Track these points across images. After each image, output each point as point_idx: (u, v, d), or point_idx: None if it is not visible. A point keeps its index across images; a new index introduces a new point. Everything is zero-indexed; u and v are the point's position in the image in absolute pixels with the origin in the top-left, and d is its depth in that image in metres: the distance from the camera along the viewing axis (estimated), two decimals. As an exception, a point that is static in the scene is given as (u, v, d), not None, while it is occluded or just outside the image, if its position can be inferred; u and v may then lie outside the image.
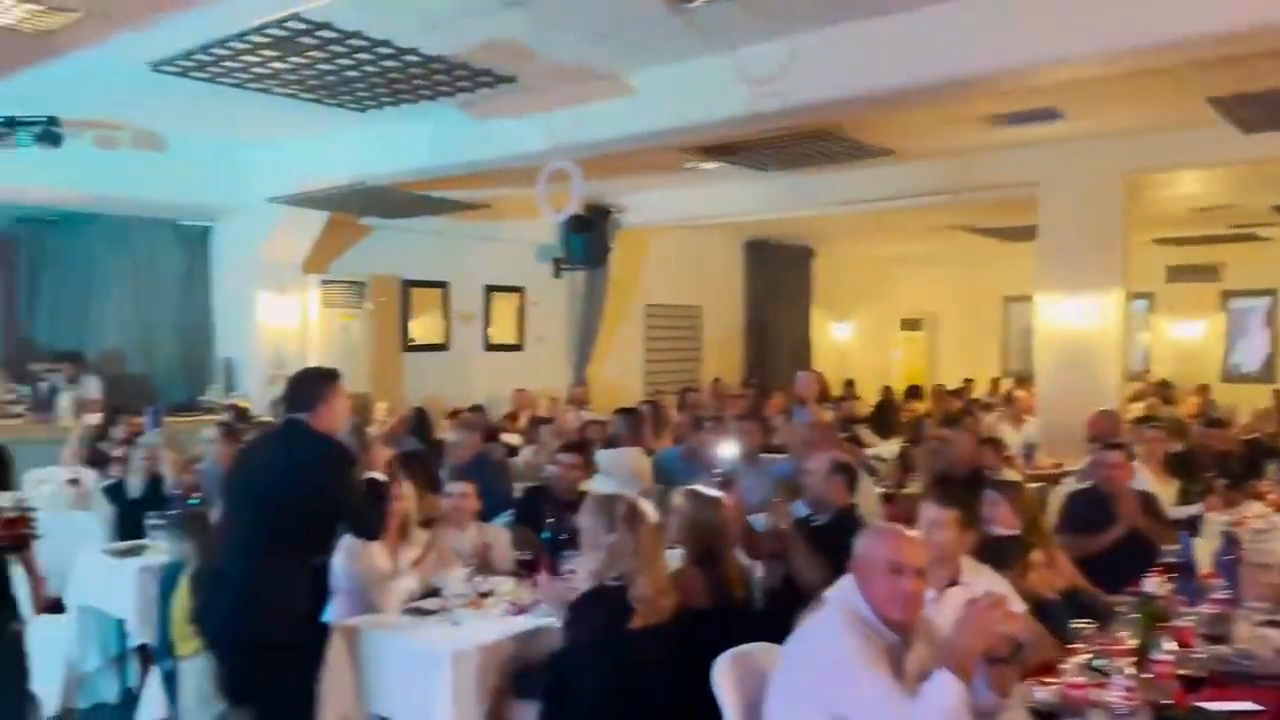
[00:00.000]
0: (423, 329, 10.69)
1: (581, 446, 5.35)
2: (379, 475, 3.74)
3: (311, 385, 3.59)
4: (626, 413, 6.71)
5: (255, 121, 7.34)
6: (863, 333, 16.96)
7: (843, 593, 2.75)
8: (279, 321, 8.97)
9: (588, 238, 11.45)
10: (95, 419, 7.64)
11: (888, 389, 12.82)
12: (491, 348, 11.40)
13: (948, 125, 7.73)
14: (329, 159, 7.68)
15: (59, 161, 7.02)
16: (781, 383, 13.41)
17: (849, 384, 12.77)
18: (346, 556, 3.86)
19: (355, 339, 9.60)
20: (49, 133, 6.73)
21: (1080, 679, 2.84)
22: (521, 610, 3.68)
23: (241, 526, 3.51)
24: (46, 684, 4.83)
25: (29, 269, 8.95)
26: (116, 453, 7.16)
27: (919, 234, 13.78)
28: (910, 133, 7.82)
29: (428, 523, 4.33)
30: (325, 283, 9.34)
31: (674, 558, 3.61)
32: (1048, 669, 3.06)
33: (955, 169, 8.88)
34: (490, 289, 11.40)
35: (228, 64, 4.95)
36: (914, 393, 11.24)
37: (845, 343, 16.63)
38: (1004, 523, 3.73)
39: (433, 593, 3.91)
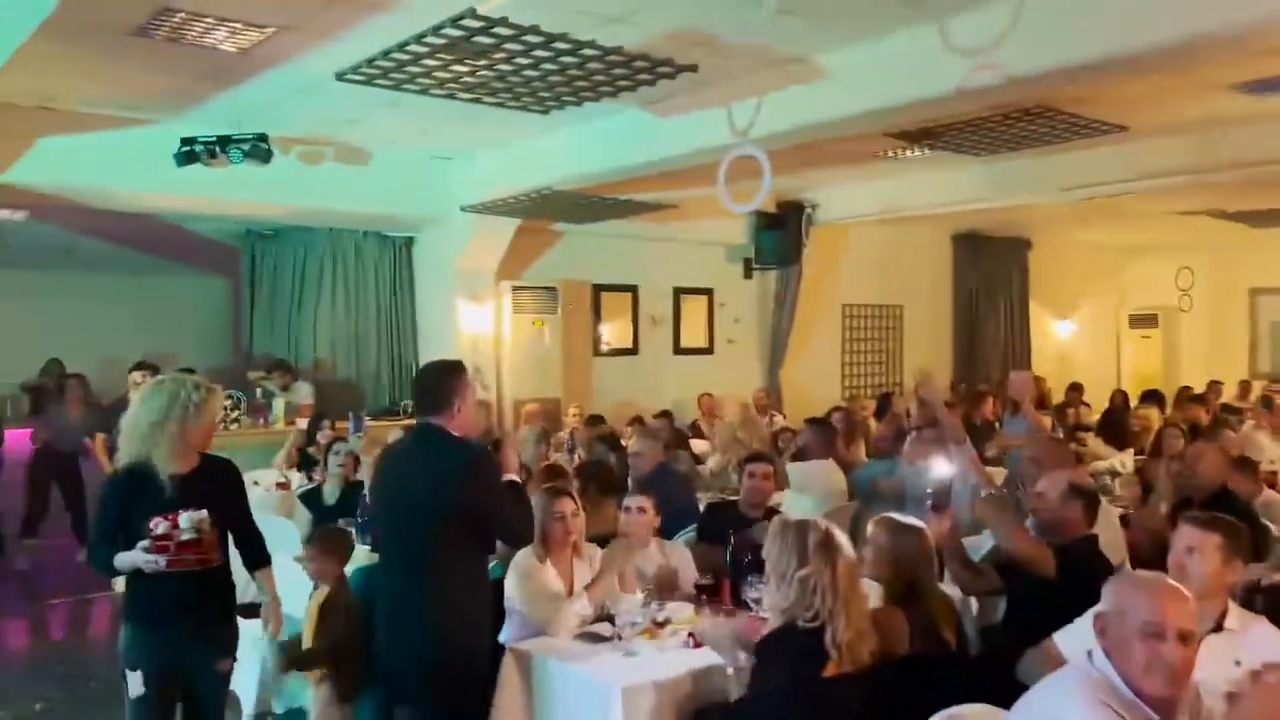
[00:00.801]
0: (612, 333, 10.60)
1: (770, 457, 4.95)
2: (514, 478, 3.50)
3: (446, 381, 3.32)
4: (817, 423, 6.24)
5: (447, 132, 7.43)
6: (1086, 331, 15.58)
7: (1084, 650, 2.26)
8: (474, 328, 9.08)
9: (780, 236, 11.04)
10: (305, 424, 7.96)
11: (1120, 393, 11.61)
12: (681, 351, 11.16)
13: (1190, 96, 6.80)
14: (518, 166, 7.68)
15: (271, 177, 7.36)
16: (993, 386, 12.49)
17: (1074, 388, 11.63)
18: (518, 576, 3.67)
19: (546, 344, 9.60)
20: (257, 149, 7.05)
21: None
22: (701, 643, 3.34)
23: (401, 546, 3.32)
24: (245, 686, 4.95)
25: (249, 280, 9.51)
26: (320, 458, 7.44)
27: (1153, 221, 12.44)
28: (1145, 106, 6.93)
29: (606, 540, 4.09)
30: (517, 289, 9.39)
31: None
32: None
33: (1199, 145, 7.84)
34: (679, 291, 11.16)
35: (409, 69, 4.92)
36: (1152, 397, 10.03)
37: (1066, 342, 15.32)
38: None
39: (609, 617, 3.65)
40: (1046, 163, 8.74)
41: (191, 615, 3.22)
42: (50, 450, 8.05)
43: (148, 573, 3.07)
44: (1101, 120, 7.03)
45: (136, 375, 7.49)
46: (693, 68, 4.95)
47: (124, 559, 3.11)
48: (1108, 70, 5.09)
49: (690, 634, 3.39)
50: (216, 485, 3.33)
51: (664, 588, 3.90)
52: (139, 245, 10.28)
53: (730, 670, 2.94)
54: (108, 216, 8.41)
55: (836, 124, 5.99)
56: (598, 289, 10.44)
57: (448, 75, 4.97)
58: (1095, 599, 3.00)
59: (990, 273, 14.00)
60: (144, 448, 3.16)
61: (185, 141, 6.98)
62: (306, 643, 3.96)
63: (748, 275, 11.50)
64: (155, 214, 8.46)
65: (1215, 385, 11.86)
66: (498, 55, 4.65)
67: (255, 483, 6.97)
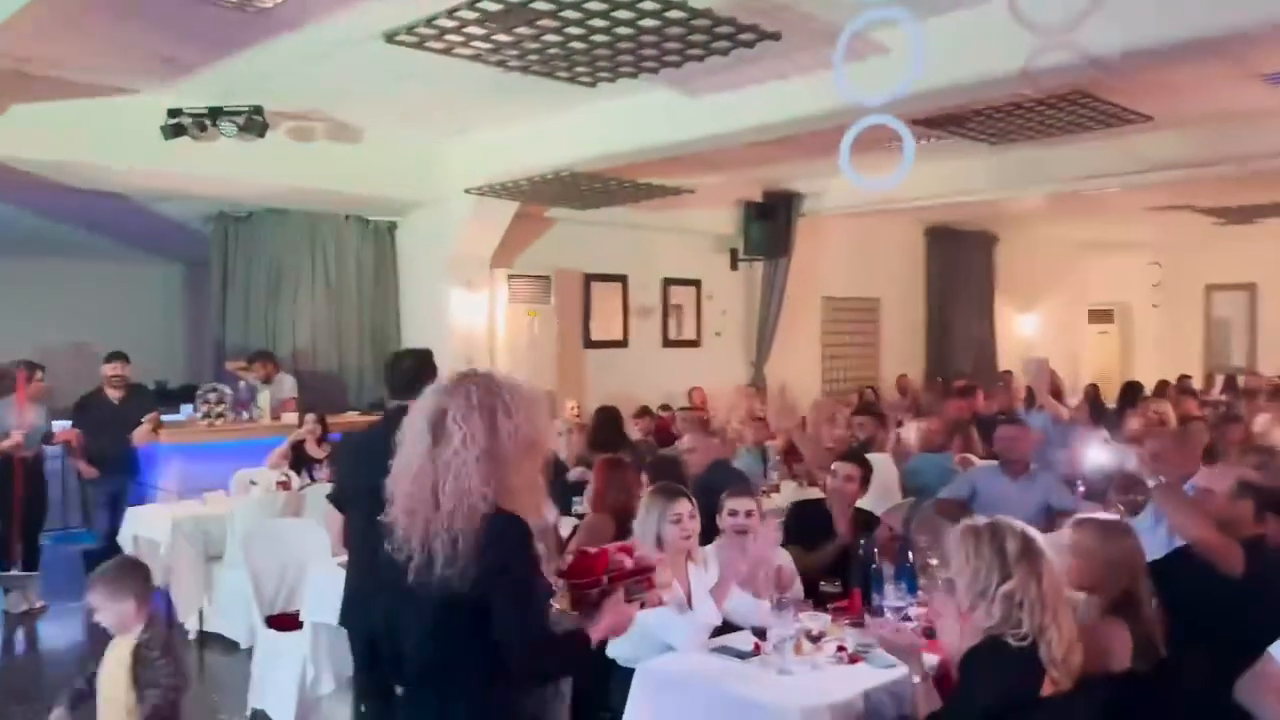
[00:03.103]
0: (603, 325, 10.23)
1: (861, 456, 4.69)
2: None
3: (423, 366, 3.48)
4: (878, 414, 6.02)
5: (454, 109, 7.00)
6: (1047, 326, 15.75)
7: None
8: (467, 318, 8.63)
9: (769, 226, 10.81)
10: (293, 418, 7.44)
11: (1092, 387, 11.69)
12: (670, 344, 10.84)
13: (1217, 85, 6.74)
14: (534, 146, 7.24)
15: (256, 154, 6.83)
16: (962, 378, 12.49)
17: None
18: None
19: (539, 336, 9.20)
20: (253, 122, 6.52)
21: None
22: (855, 658, 3.05)
23: None
24: (282, 702, 4.51)
25: (221, 265, 8.89)
26: (318, 455, 6.95)
27: (1121, 216, 12.57)
28: (1173, 95, 6.85)
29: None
30: (513, 277, 8.97)
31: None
32: None
33: (1212, 138, 7.84)
34: (668, 282, 10.84)
35: (468, 30, 4.49)
36: (1137, 389, 10.05)
37: (1030, 337, 15.46)
38: None
39: (727, 628, 3.35)
40: (1047, 155, 8.66)
41: None
42: None
43: None
44: (1131, 109, 6.94)
45: (109, 369, 6.89)
46: (775, 35, 4.63)
47: None
48: (1186, 53, 4.97)
49: (840, 647, 3.10)
50: None
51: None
52: (95, 228, 9.59)
53: (916, 680, 2.66)
54: (67, 195, 7.73)
55: (891, 105, 5.76)
56: (588, 278, 10.06)
57: (508, 39, 4.56)
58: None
59: (960, 266, 14.03)
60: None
61: (173, 113, 6.43)
62: (117, 716, 3.05)
63: (734, 266, 11.24)
64: (126, 193, 7.82)
65: (1184, 379, 12.04)
66: (572, 15, 4.25)
67: (253, 482, 6.50)
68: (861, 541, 3.60)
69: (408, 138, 7.78)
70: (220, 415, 7.34)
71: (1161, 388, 10.82)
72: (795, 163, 9.34)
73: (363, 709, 3.84)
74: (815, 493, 6.24)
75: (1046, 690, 2.49)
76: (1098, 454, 3.35)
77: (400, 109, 7.06)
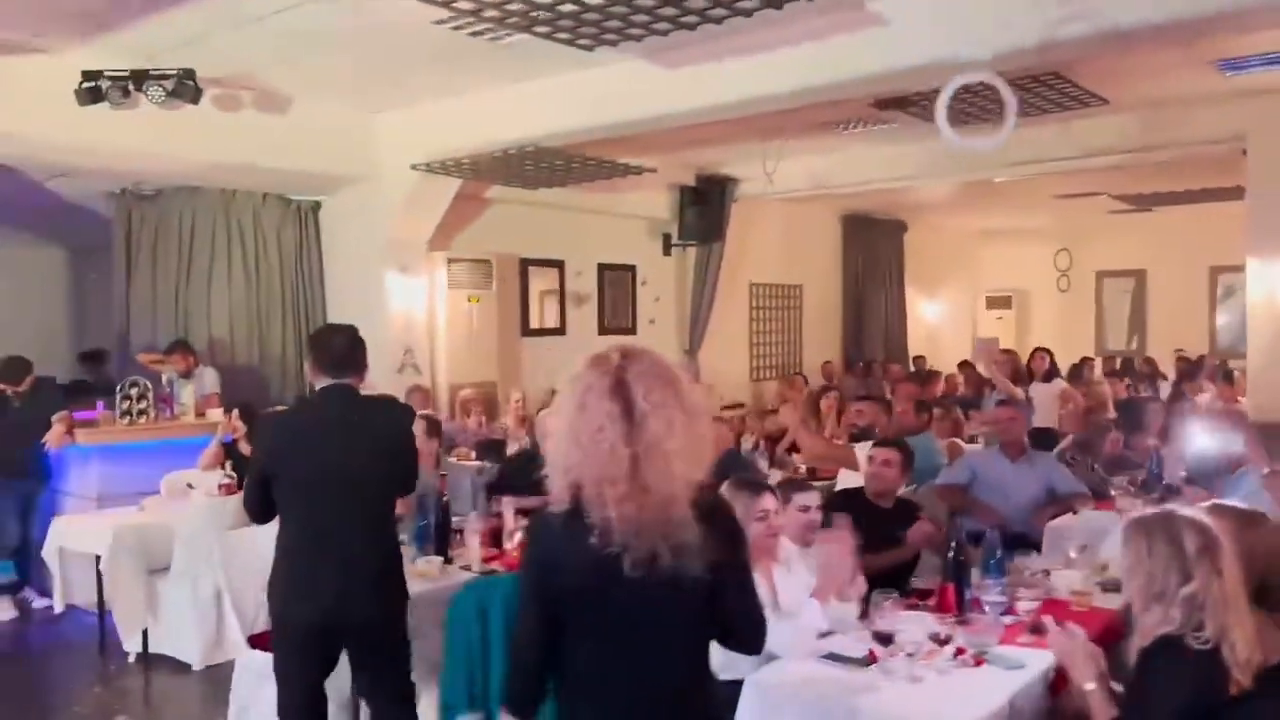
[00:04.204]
0: (540, 312, 9.79)
1: (899, 440, 4.47)
2: None
3: (356, 344, 3.43)
4: (881, 400, 5.84)
5: (402, 81, 6.50)
6: (949, 312, 16.13)
7: None
8: (404, 305, 8.06)
9: (703, 211, 10.58)
10: (220, 415, 6.78)
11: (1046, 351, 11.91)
12: (605, 331, 10.48)
13: (1169, 71, 6.88)
14: (486, 120, 6.75)
15: (170, 126, 6.16)
16: (874, 363, 12.64)
17: (966, 365, 11.88)
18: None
19: (479, 324, 8.71)
20: (184, 86, 5.85)
21: None
22: (979, 660, 2.82)
23: (346, 504, 3.23)
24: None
25: (125, 250, 8.06)
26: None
27: (1032, 204, 12.89)
28: (1131, 79, 6.94)
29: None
30: (453, 261, 8.45)
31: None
32: None
33: (1157, 123, 8.02)
34: (604, 268, 10.48)
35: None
36: (1077, 371, 10.30)
37: (933, 323, 15.79)
38: None
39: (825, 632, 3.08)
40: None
41: None
42: None
43: None
44: (1093, 92, 6.98)
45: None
46: (776, 4, 4.33)
47: None
48: (1160, 36, 4.96)
49: (960, 649, 2.86)
50: None
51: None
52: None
53: (1089, 686, 2.45)
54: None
55: (882, 79, 5.59)
56: (524, 263, 9.60)
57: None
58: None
59: (873, 254, 14.18)
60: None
61: (89, 75, 5.70)
62: None
63: (667, 252, 10.98)
64: (19, 168, 6.97)
65: (1087, 362, 12.45)
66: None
67: (190, 485, 5.87)
68: (954, 532, 3.38)
69: (339, 110, 7.19)
70: (144, 413, 6.61)
71: (1077, 370, 11.15)
72: (731, 145, 9.14)
73: None
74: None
75: (1235, 690, 2.31)
76: (1205, 439, 3.22)
77: (337, 79, 6.52)
